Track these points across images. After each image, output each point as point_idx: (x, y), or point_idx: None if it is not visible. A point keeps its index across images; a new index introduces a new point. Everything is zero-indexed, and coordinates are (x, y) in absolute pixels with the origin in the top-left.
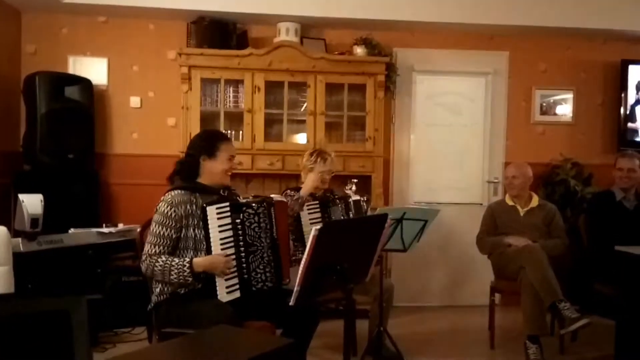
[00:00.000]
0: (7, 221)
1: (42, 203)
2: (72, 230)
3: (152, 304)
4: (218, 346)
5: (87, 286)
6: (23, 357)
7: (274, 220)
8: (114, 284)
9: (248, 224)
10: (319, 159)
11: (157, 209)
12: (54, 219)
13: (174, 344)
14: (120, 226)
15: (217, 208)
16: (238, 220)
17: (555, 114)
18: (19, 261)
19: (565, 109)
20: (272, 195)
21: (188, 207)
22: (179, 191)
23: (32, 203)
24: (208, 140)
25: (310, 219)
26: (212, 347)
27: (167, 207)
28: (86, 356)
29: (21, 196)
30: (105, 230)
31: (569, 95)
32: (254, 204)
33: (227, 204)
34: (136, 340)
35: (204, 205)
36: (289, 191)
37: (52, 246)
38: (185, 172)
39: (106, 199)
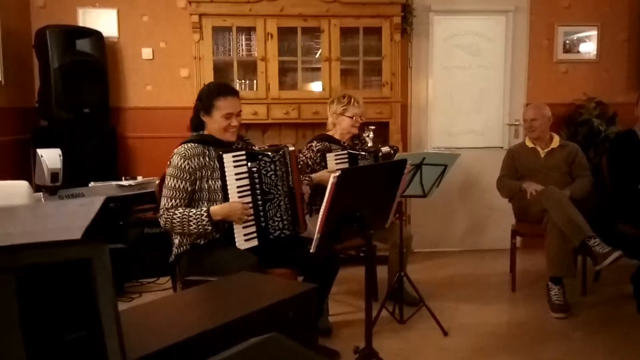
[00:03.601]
0: (28, 176)
1: (61, 157)
2: (92, 184)
3: (173, 256)
4: (241, 292)
5: (111, 238)
6: (47, 307)
7: (290, 168)
8: (137, 236)
9: (264, 172)
10: (352, 101)
11: (170, 162)
12: (73, 173)
13: (198, 290)
14: (139, 179)
15: (233, 156)
16: (255, 169)
17: (578, 52)
18: None
19: (589, 47)
20: (287, 144)
21: (201, 159)
22: (192, 144)
23: (51, 158)
24: (206, 96)
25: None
26: (235, 293)
27: (181, 159)
28: (111, 304)
29: (40, 151)
30: (124, 183)
31: (593, 32)
32: (270, 153)
33: (244, 152)
34: (161, 290)
35: (221, 152)
36: (315, 143)
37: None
38: (193, 127)
39: (123, 152)
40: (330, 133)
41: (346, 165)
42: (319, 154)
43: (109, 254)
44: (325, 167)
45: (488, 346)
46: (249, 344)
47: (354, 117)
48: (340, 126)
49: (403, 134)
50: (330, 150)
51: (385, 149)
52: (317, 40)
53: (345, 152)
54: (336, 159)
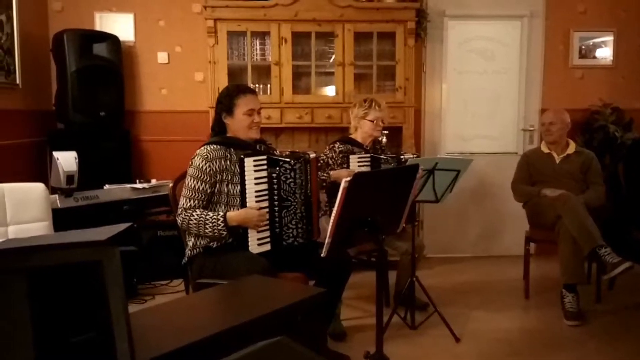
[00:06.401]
0: (44, 178)
1: (77, 160)
2: (106, 187)
3: (186, 258)
4: (252, 295)
5: (124, 241)
6: (57, 308)
7: (309, 177)
8: (151, 239)
9: (284, 179)
10: (373, 104)
11: (191, 163)
12: (88, 176)
13: (208, 293)
14: (153, 182)
15: (254, 160)
16: (274, 174)
17: (594, 57)
18: (57, 217)
19: (605, 52)
20: (308, 152)
21: (223, 162)
22: (214, 146)
23: (66, 160)
24: (225, 97)
25: None
26: (245, 296)
27: (202, 161)
28: (121, 306)
29: (56, 154)
30: (138, 185)
31: (609, 37)
32: (291, 160)
33: (265, 157)
34: (174, 292)
35: (242, 156)
36: (337, 145)
37: (88, 202)
38: (215, 133)
39: (137, 155)
40: (352, 136)
41: (368, 168)
42: (340, 155)
43: (119, 256)
44: (347, 167)
45: (500, 353)
46: (257, 348)
47: (375, 121)
48: (362, 129)
49: (416, 138)
50: (353, 153)
51: (408, 155)
52: (331, 44)
53: (368, 155)
54: (359, 161)
